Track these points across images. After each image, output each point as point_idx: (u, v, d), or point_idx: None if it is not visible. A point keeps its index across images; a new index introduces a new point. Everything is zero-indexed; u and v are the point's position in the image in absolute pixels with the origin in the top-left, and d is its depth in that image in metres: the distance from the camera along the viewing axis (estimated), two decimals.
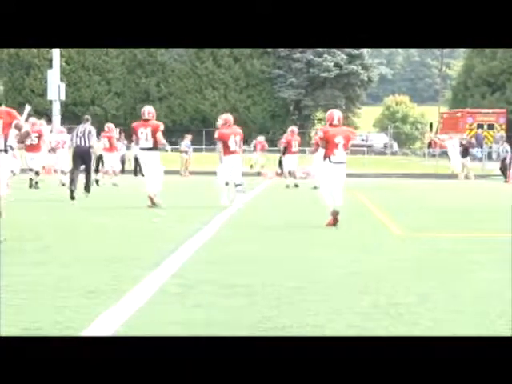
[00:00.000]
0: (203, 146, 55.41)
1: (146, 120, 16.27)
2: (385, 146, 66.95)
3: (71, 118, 57.58)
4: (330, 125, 13.04)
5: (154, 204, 15.64)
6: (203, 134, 60.65)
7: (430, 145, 58.86)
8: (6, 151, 10.28)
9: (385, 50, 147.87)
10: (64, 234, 11.11)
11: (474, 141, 39.52)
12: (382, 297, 6.65)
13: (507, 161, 33.23)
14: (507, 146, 34.26)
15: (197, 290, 6.89)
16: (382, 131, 76.21)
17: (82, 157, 18.12)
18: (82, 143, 18.06)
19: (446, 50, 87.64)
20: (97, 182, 23.37)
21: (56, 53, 35.30)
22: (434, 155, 47.82)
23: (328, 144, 12.83)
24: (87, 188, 18.48)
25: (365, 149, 50.05)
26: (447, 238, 11.48)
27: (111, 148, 24.67)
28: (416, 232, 12.22)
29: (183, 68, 68.66)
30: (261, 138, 38.84)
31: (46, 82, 39.65)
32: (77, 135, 18.23)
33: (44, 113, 55.21)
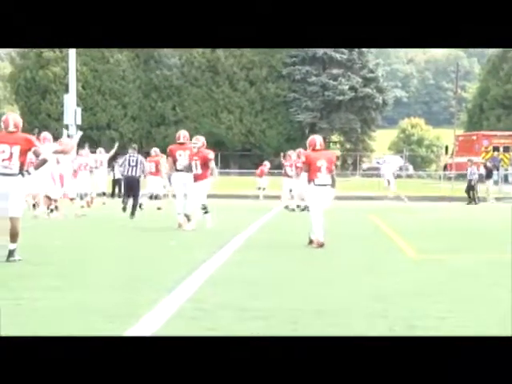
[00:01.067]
0: (219, 170, 55.47)
1: (182, 143, 16.63)
2: (400, 169, 66.84)
3: (87, 142, 57.72)
4: (313, 150, 13.55)
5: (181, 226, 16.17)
6: (219, 157, 60.78)
7: (445, 167, 58.72)
8: (22, 175, 10.48)
9: (400, 74, 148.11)
10: (79, 257, 11.11)
11: (488, 164, 39.33)
12: (400, 320, 6.61)
13: None
14: None
15: (213, 314, 6.87)
16: (398, 154, 76.09)
17: (131, 186, 20.10)
18: (134, 173, 20.04)
19: (461, 73, 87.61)
20: (140, 205, 23.45)
21: (72, 77, 35.49)
22: (449, 178, 47.65)
23: (311, 168, 13.34)
24: (133, 212, 19.84)
25: (380, 172, 49.98)
26: (463, 260, 11.41)
27: (157, 172, 24.81)
28: (432, 254, 12.16)
29: (199, 92, 68.83)
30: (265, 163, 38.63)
31: (62, 106, 39.81)
32: (129, 164, 20.06)
33: (60, 137, 55.47)
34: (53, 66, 66.57)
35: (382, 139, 79.38)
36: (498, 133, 57.49)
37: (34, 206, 20.55)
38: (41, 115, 66.53)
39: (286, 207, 25.18)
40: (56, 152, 19.16)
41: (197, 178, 16.20)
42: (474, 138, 58.27)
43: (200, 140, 16.39)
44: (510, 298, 7.76)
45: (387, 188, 34.70)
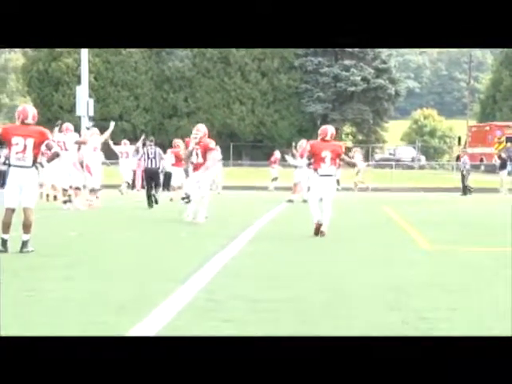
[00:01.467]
0: (231, 161, 55.55)
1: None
2: (413, 160, 66.67)
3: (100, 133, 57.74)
4: (322, 140, 13.68)
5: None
6: (231, 148, 60.79)
7: (458, 158, 58.54)
8: (36, 168, 10.61)
9: (412, 64, 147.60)
10: (93, 249, 11.15)
11: (503, 154, 39.15)
12: (411, 312, 6.62)
13: None
14: None
15: (226, 305, 6.88)
16: (410, 145, 75.92)
17: (152, 177, 20.99)
18: (153, 165, 21.02)
19: (474, 63, 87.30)
20: (170, 199, 23.63)
21: (85, 69, 35.54)
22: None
23: (315, 158, 13.55)
24: (151, 202, 20.60)
25: (392, 163, 49.89)
26: (476, 253, 11.39)
27: (178, 163, 24.98)
28: (444, 246, 12.14)
29: (211, 83, 68.84)
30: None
31: (74, 98, 39.92)
32: (148, 157, 21.02)
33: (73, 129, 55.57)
34: (65, 58, 66.67)
35: (394, 130, 79.16)
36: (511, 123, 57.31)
37: (54, 197, 20.84)
38: (53, 107, 66.66)
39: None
40: (77, 143, 19.54)
41: (197, 167, 16.09)
42: (487, 128, 58.12)
43: (201, 130, 16.17)
44: None
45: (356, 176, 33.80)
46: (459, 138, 57.47)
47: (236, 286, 7.98)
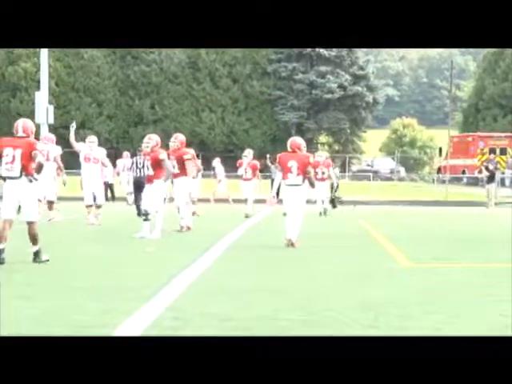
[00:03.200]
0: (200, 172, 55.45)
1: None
2: (392, 172, 67.04)
3: (61, 142, 57.56)
4: (289, 151, 14.54)
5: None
6: (200, 158, 60.66)
7: (439, 170, 58.92)
8: (30, 181, 11.26)
9: (391, 71, 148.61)
10: (52, 265, 11.07)
11: (491, 166, 39.22)
12: (392, 331, 6.62)
13: None
14: None
15: (192, 323, 6.85)
16: (389, 156, 76.33)
17: (140, 187, 20.37)
18: (142, 174, 20.50)
19: (456, 70, 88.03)
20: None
21: (44, 73, 35.36)
22: (443, 181, 47.82)
23: (283, 168, 14.49)
24: (140, 212, 20.51)
25: (370, 174, 50.07)
26: (458, 269, 11.44)
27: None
28: (424, 263, 12.18)
29: (179, 89, 68.82)
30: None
31: (33, 104, 39.75)
32: (136, 167, 21.12)
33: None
34: (23, 62, 66.38)
35: (372, 140, 79.53)
36: (495, 134, 57.75)
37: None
38: (10, 114, 66.19)
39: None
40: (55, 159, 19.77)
41: (148, 180, 16.20)
42: (470, 139, 58.51)
43: (153, 139, 16.19)
44: (502, 308, 7.79)
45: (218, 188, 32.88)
46: (440, 149, 57.68)
47: (205, 303, 7.94)
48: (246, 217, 22.65)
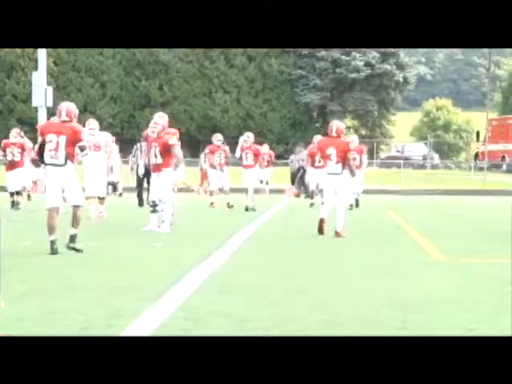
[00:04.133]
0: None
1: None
2: (424, 159, 66.86)
3: None
4: (328, 136, 15.05)
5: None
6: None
7: (476, 156, 58.72)
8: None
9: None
10: (53, 260, 11.16)
11: None
12: (422, 332, 6.65)
13: None
14: None
15: (205, 323, 6.91)
16: (421, 141, 76.12)
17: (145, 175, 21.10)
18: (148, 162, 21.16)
19: None
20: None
21: (42, 52, 35.29)
22: (481, 168, 47.64)
23: (322, 155, 15.11)
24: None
25: (401, 162, 49.87)
26: (496, 265, 11.44)
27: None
28: (460, 257, 12.19)
29: (190, 69, 68.72)
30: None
31: (30, 85, 39.83)
32: (141, 153, 21.81)
33: (29, 121, 55.49)
34: None
35: (402, 123, 79.35)
36: None
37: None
38: (6, 96, 66.44)
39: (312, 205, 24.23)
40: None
41: (156, 169, 15.63)
42: (510, 122, 58.24)
43: (159, 123, 15.52)
44: None
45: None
46: (478, 133, 57.50)
47: (218, 302, 8.00)
48: (246, 210, 21.88)
